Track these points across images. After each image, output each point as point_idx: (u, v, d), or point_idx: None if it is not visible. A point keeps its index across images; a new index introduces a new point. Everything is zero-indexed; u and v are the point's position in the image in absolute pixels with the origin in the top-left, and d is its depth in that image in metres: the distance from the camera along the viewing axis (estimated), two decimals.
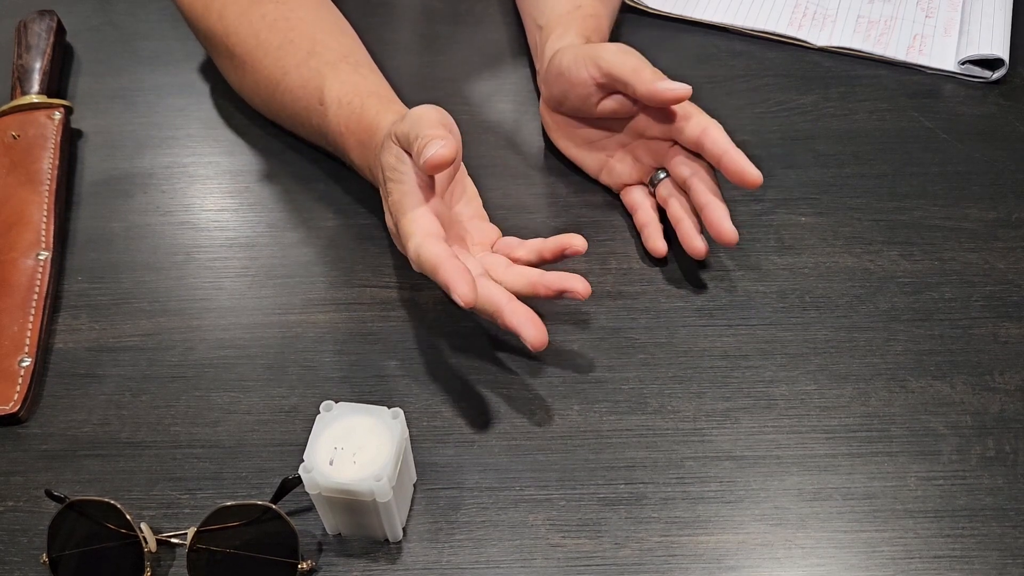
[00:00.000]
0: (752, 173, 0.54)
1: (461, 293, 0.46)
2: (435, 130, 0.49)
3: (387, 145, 0.52)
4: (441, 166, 0.48)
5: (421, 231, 0.49)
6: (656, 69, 0.57)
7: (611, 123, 0.61)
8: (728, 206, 0.55)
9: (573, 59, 0.59)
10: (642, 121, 0.59)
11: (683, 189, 0.59)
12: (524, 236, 0.56)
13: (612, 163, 0.62)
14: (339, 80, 0.60)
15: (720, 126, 0.56)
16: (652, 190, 0.61)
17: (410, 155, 0.50)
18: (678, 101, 0.55)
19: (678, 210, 0.59)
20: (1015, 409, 0.53)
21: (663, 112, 0.58)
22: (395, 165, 0.52)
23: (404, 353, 0.56)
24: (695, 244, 0.58)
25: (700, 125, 0.56)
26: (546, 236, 0.55)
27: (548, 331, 0.56)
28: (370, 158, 0.57)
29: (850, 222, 0.62)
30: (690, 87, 0.55)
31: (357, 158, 0.60)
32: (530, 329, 0.49)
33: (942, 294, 0.58)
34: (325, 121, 0.60)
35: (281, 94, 0.63)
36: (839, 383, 0.54)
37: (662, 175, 0.60)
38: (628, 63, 0.57)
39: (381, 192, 0.55)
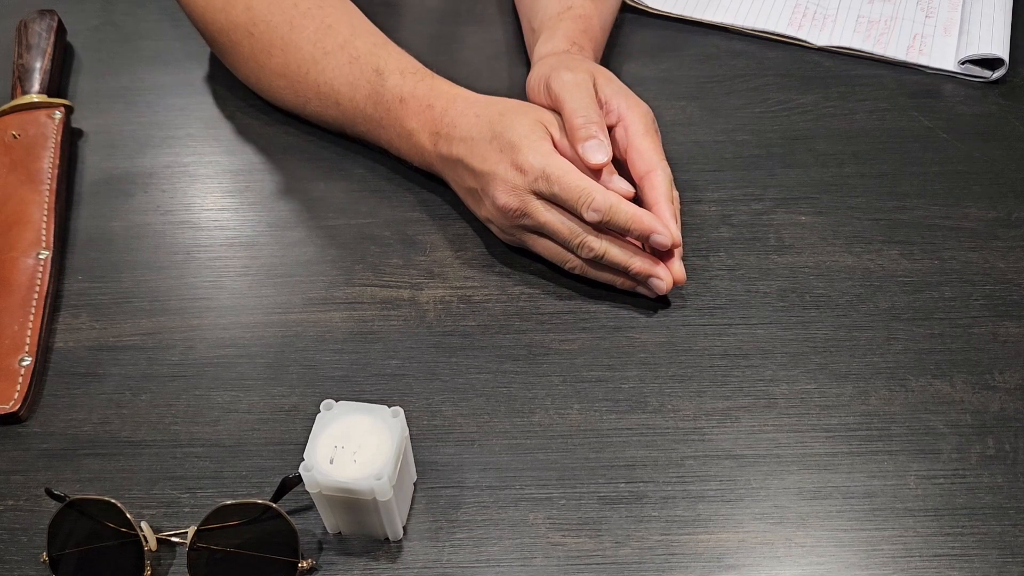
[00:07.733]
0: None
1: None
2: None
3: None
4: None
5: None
6: (592, 115, 0.55)
7: None
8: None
9: (536, 78, 0.60)
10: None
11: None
12: None
13: None
14: (394, 58, 0.62)
15: (668, 173, 0.56)
16: None
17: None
18: (594, 168, 0.55)
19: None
20: (1015, 408, 0.53)
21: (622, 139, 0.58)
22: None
23: (404, 353, 0.56)
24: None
25: (650, 165, 0.56)
26: None
27: (548, 330, 0.57)
28: (438, 123, 0.59)
29: (850, 221, 0.62)
30: (608, 157, 0.54)
31: (418, 123, 0.60)
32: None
33: (942, 293, 0.58)
34: (380, 89, 0.61)
35: (319, 72, 0.63)
36: (839, 382, 0.54)
37: None
38: (569, 102, 0.56)
39: (454, 152, 0.58)
